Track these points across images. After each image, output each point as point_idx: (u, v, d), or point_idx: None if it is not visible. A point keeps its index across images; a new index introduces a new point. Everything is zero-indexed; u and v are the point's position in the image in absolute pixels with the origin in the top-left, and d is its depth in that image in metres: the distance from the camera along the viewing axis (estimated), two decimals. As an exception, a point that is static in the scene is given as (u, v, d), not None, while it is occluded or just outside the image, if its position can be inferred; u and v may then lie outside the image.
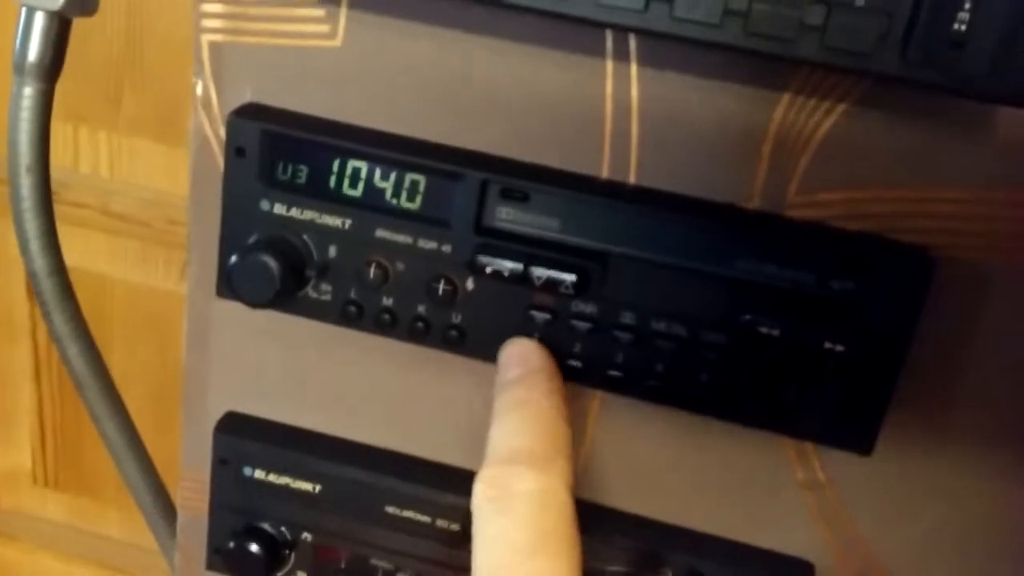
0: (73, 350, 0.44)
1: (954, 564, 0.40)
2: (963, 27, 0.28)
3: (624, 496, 0.43)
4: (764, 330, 0.36)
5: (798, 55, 0.30)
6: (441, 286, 0.39)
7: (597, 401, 0.41)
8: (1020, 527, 0.39)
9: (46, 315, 0.45)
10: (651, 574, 0.42)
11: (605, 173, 0.38)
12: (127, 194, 1.11)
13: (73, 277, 0.46)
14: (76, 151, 1.16)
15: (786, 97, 0.35)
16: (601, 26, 0.31)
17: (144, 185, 1.12)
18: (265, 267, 0.38)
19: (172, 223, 1.09)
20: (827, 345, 0.36)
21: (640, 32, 0.31)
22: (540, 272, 0.37)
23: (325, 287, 0.40)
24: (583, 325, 0.38)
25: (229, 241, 0.40)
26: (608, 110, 0.37)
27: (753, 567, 0.42)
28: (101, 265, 1.19)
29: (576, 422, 0.42)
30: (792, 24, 0.29)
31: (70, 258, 0.46)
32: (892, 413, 0.37)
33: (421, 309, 0.39)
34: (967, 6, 0.28)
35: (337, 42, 0.38)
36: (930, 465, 0.39)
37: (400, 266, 0.39)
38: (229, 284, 0.39)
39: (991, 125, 0.33)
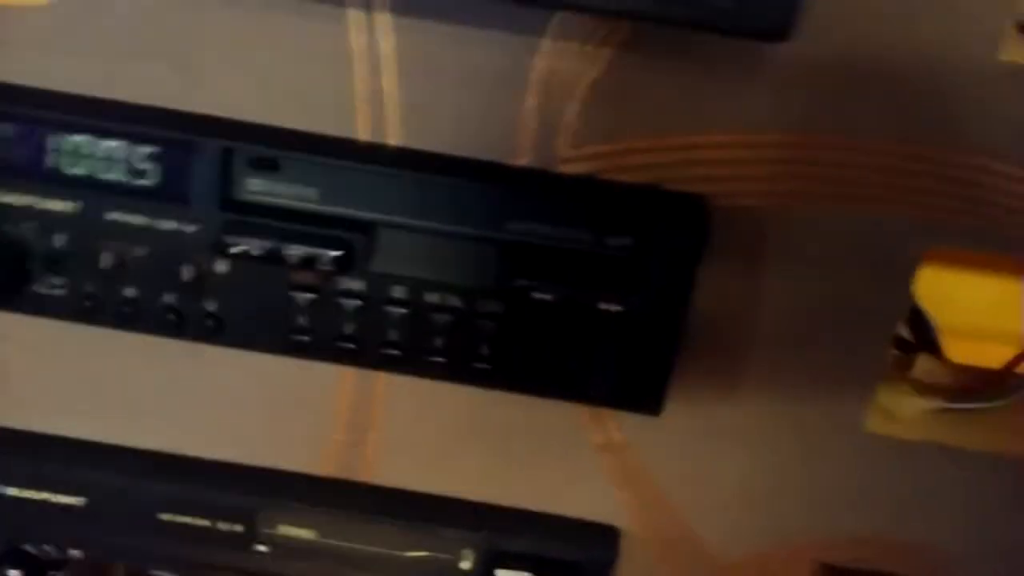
0: None
1: (759, 515, 0.39)
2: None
3: (418, 477, 0.40)
4: (538, 295, 0.34)
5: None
6: (188, 272, 0.35)
7: (381, 382, 0.38)
8: (818, 472, 0.38)
9: None
10: (453, 555, 0.40)
11: (363, 136, 0.34)
12: None
13: None
14: None
15: (546, 43, 0.32)
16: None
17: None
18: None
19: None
20: (604, 306, 0.34)
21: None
22: (296, 250, 0.34)
23: (56, 281, 0.35)
24: (351, 303, 0.35)
25: (-67, 237, 0.34)
26: (359, 65, 0.33)
27: (556, 537, 0.40)
28: None
29: (361, 406, 0.39)
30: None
31: None
32: (681, 369, 0.36)
33: (169, 299, 0.35)
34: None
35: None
36: (724, 417, 0.38)
37: (139, 251, 0.35)
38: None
39: (756, 66, 0.32)
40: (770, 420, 0.37)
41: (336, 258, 0.34)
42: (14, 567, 0.40)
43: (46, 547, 0.41)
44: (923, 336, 0.48)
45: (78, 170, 0.34)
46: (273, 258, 0.34)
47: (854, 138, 0.33)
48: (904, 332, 0.47)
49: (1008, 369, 0.42)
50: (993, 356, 0.42)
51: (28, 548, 0.41)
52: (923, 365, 0.40)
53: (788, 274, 0.35)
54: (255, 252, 0.34)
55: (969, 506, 0.39)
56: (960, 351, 0.46)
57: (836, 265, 0.34)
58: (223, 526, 0.40)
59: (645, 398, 0.36)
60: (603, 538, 0.40)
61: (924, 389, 0.40)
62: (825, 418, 0.37)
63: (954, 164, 0.33)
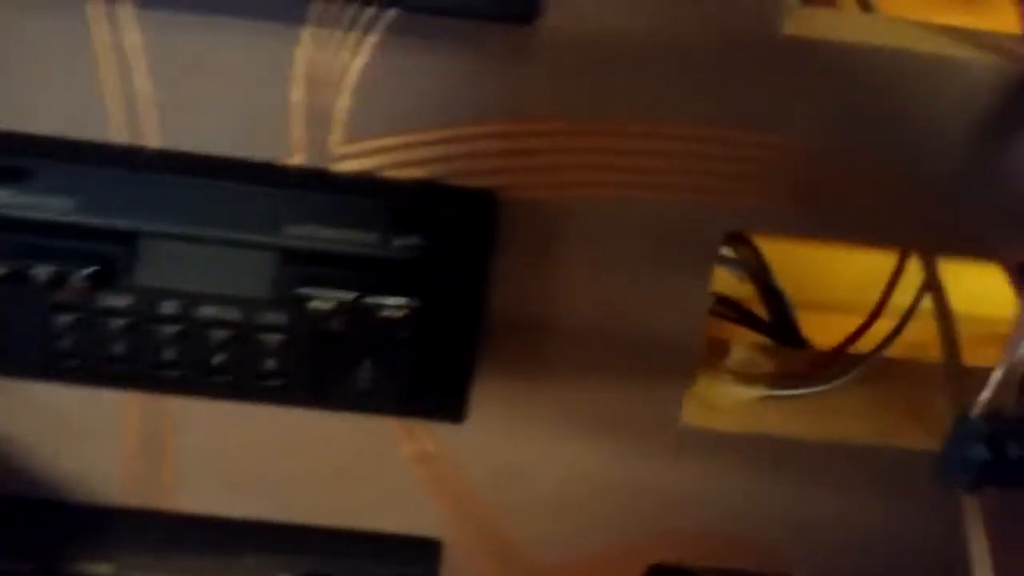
0: None
1: (581, 517, 0.38)
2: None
3: (222, 502, 0.37)
4: (321, 304, 0.31)
5: None
6: (-71, 297, 0.31)
7: (173, 404, 0.35)
8: (638, 469, 0.37)
9: None
10: (267, 583, 0.38)
11: (120, 138, 0.31)
12: None
13: None
14: None
15: (307, 32, 0.30)
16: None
17: None
18: None
19: None
20: (393, 313, 0.31)
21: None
22: (47, 268, 0.31)
23: None
24: (118, 322, 0.32)
25: None
26: (106, 63, 0.30)
27: (377, 556, 0.38)
28: None
29: (153, 430, 0.36)
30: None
31: None
32: (485, 373, 0.34)
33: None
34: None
35: None
36: (535, 419, 0.36)
37: None
38: None
39: (526, 49, 0.30)
40: (582, 418, 0.36)
41: (92, 274, 0.31)
42: None
43: None
44: (778, 314, 0.47)
45: None
46: (23, 277, 0.31)
47: (638, 121, 0.31)
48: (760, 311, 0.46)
49: (836, 351, 0.42)
50: (851, 325, 0.42)
51: None
52: (741, 352, 0.39)
53: (585, 266, 0.33)
54: (10, 274, 0.30)
55: (799, 497, 0.38)
56: (821, 328, 0.46)
57: (634, 254, 0.33)
58: (22, 567, 0.37)
59: (447, 405, 0.34)
60: (424, 552, 0.38)
61: (745, 377, 0.38)
62: (640, 413, 0.36)
63: (744, 144, 0.31)
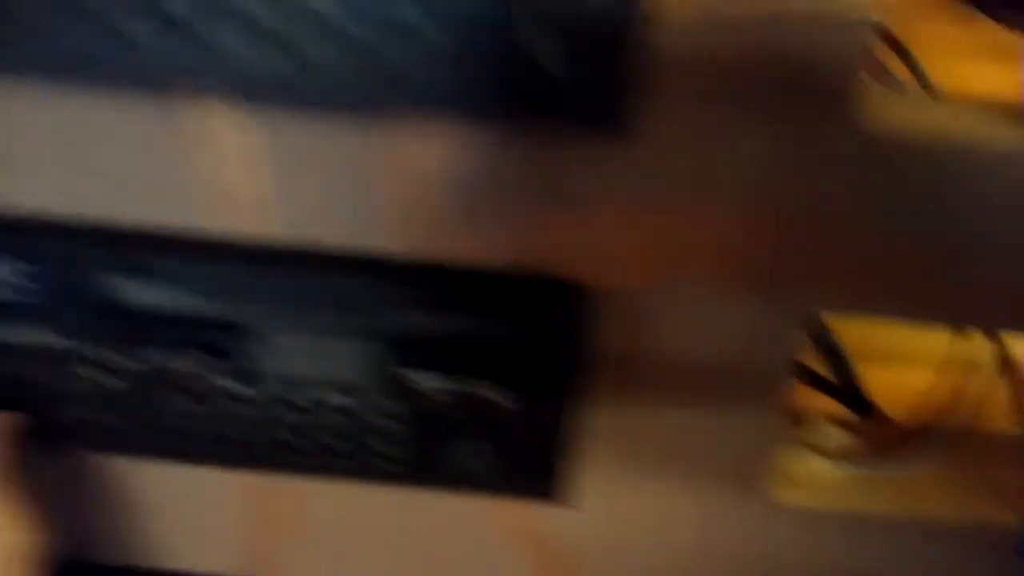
0: None
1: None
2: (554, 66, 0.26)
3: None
4: (427, 387, 0.33)
5: (389, 104, 0.27)
6: (72, 386, 0.34)
7: (287, 483, 0.37)
8: (724, 547, 0.38)
9: None
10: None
11: (235, 232, 0.34)
12: None
13: None
14: None
15: (403, 131, 0.32)
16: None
17: None
18: None
19: None
20: (492, 396, 0.33)
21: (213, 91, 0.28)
22: (178, 358, 0.33)
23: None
24: (238, 406, 0.34)
25: None
26: (226, 163, 0.33)
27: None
28: None
29: (268, 510, 0.38)
30: (379, 73, 0.26)
31: None
32: (581, 451, 0.36)
33: (57, 415, 0.34)
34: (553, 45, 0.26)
35: None
36: (627, 497, 0.37)
37: (12, 371, 0.34)
38: None
39: (617, 145, 0.32)
40: (673, 497, 0.37)
41: (221, 362, 0.33)
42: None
43: None
44: (841, 374, 0.48)
45: (-54, 289, 0.33)
46: (157, 367, 0.33)
47: (722, 212, 0.33)
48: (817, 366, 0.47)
49: (913, 426, 0.43)
50: (916, 380, 0.42)
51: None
52: (819, 426, 0.40)
53: (673, 348, 0.35)
54: (141, 362, 0.33)
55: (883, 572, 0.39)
56: (885, 384, 0.46)
57: (719, 337, 0.34)
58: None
59: (545, 484, 0.35)
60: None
61: (824, 451, 0.40)
62: (726, 491, 0.37)
63: (821, 231, 0.33)
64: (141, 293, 0.34)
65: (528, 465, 0.35)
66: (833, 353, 0.46)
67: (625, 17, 0.26)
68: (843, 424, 0.42)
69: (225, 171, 0.33)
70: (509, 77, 0.26)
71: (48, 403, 0.34)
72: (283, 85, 0.26)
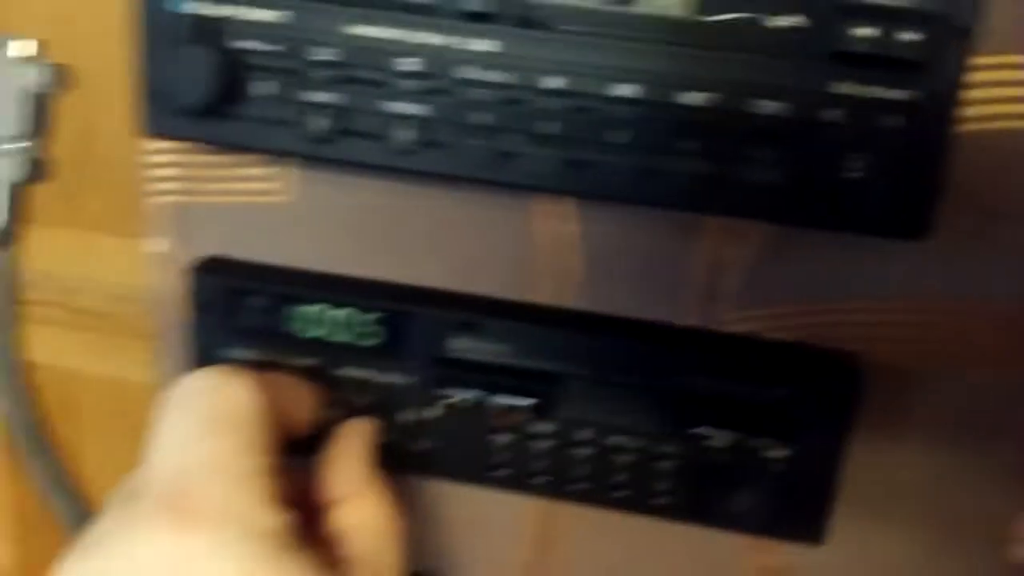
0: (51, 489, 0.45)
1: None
2: (858, 174, 0.30)
3: (597, 594, 0.45)
4: (711, 440, 0.38)
5: (711, 209, 0.32)
6: (407, 417, 0.41)
7: (564, 510, 0.43)
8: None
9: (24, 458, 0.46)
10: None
11: (552, 300, 0.40)
12: (91, 290, 1.12)
13: (43, 375, 0.47)
14: (38, 251, 1.17)
15: (711, 227, 0.38)
16: (526, 188, 0.33)
17: (107, 280, 1.13)
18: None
19: (140, 315, 1.10)
20: (769, 451, 0.38)
21: (565, 193, 0.34)
22: (498, 400, 0.39)
23: (297, 426, 0.42)
24: (543, 444, 0.41)
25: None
26: (548, 245, 0.39)
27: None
28: (70, 361, 1.19)
29: (546, 529, 0.44)
30: (701, 180, 0.31)
31: (38, 356, 0.50)
32: (842, 500, 0.40)
33: (390, 439, 0.42)
34: (858, 156, 0.30)
35: (290, 198, 0.40)
36: (880, 546, 0.41)
37: (365, 400, 0.41)
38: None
39: (889, 245, 0.36)
40: (915, 559, 0.41)
41: (532, 406, 0.39)
42: None
43: None
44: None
45: (316, 333, 0.41)
46: (480, 406, 0.40)
47: (992, 301, 0.36)
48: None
49: None
50: None
51: None
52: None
53: (930, 424, 0.39)
54: (466, 401, 0.40)
55: None
56: None
57: (977, 419, 0.38)
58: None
59: (807, 529, 0.40)
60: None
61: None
62: (976, 548, 0.40)
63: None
64: (470, 346, 0.40)
65: (794, 511, 0.39)
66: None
67: (933, 135, 0.30)
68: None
69: (548, 252, 0.39)
70: (819, 186, 0.31)
71: (385, 431, 0.42)
72: (627, 189, 0.32)
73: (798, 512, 0.39)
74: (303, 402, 0.39)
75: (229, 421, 0.33)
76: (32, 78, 0.37)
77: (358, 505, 0.36)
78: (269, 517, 0.31)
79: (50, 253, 0.96)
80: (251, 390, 0.34)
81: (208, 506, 0.30)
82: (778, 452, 0.38)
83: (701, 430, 0.38)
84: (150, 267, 0.43)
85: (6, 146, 0.38)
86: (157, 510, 0.30)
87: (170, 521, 0.29)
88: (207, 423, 0.32)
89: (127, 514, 0.30)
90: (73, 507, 0.45)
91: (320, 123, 0.33)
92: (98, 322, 1.12)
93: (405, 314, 0.40)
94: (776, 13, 0.31)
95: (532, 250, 0.39)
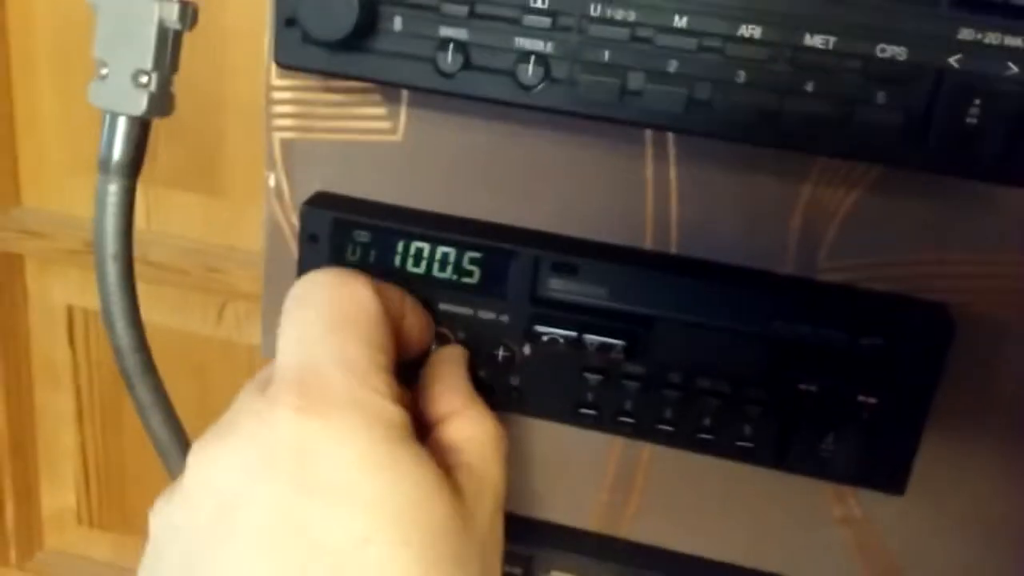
0: (156, 419, 0.48)
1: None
2: (975, 120, 0.31)
3: (674, 538, 0.46)
4: (802, 386, 0.39)
5: (827, 151, 0.33)
6: (500, 353, 0.42)
7: (646, 452, 0.45)
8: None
9: (130, 387, 0.48)
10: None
11: (648, 245, 0.41)
12: (165, 244, 1.15)
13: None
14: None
15: (813, 175, 0.39)
16: (646, 126, 0.35)
17: (181, 235, 1.16)
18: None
19: (210, 271, 1.13)
20: (860, 398, 0.39)
21: (684, 132, 0.35)
22: (592, 339, 0.41)
23: (394, 357, 0.43)
24: (633, 384, 0.42)
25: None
26: (649, 190, 0.41)
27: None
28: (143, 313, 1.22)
29: (626, 471, 0.45)
30: (819, 122, 0.32)
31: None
32: (922, 453, 0.41)
33: (482, 374, 0.43)
34: (977, 102, 0.31)
35: (398, 137, 0.42)
36: (960, 500, 0.42)
37: (462, 335, 0.43)
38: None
39: (995, 196, 0.37)
40: (998, 512, 0.41)
41: (625, 347, 0.41)
42: None
43: None
44: None
45: (418, 269, 0.42)
46: (573, 345, 0.41)
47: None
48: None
49: None
50: None
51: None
52: None
53: (1021, 380, 0.40)
54: (561, 340, 0.41)
55: None
56: None
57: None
58: (505, 568, 0.47)
59: (891, 479, 0.41)
60: (841, 603, 0.45)
61: None
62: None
63: None
64: (567, 287, 0.42)
65: (879, 460, 0.40)
66: None
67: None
68: None
69: (649, 196, 0.41)
70: (937, 130, 0.32)
71: (480, 366, 0.43)
72: (747, 130, 0.33)
73: (883, 461, 0.40)
74: (419, 324, 0.40)
75: (351, 317, 0.34)
76: (166, 13, 0.38)
77: (465, 421, 0.37)
78: (391, 409, 0.32)
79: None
80: (372, 291, 0.35)
81: (334, 394, 0.32)
82: (867, 400, 0.39)
83: (791, 375, 0.39)
84: (266, 200, 0.44)
85: (142, 79, 0.39)
86: (287, 396, 0.31)
87: (298, 407, 0.31)
88: (330, 318, 0.34)
89: (258, 400, 0.32)
90: (177, 437, 0.47)
91: (449, 58, 0.34)
92: (168, 275, 1.15)
93: (504, 253, 0.41)
94: (898, -37, 0.31)
95: (633, 194, 0.41)
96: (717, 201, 0.40)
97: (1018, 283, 0.38)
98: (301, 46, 0.35)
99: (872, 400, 0.39)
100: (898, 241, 0.39)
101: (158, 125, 0.44)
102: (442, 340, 0.43)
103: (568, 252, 0.42)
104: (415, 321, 0.40)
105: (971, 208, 0.38)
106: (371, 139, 0.42)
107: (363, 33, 0.34)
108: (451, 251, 0.42)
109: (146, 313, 0.63)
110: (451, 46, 0.34)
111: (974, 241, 0.38)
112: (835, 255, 0.40)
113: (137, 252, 0.61)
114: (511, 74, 0.34)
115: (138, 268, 0.68)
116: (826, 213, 0.39)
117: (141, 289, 0.70)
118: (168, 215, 1.17)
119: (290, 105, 0.42)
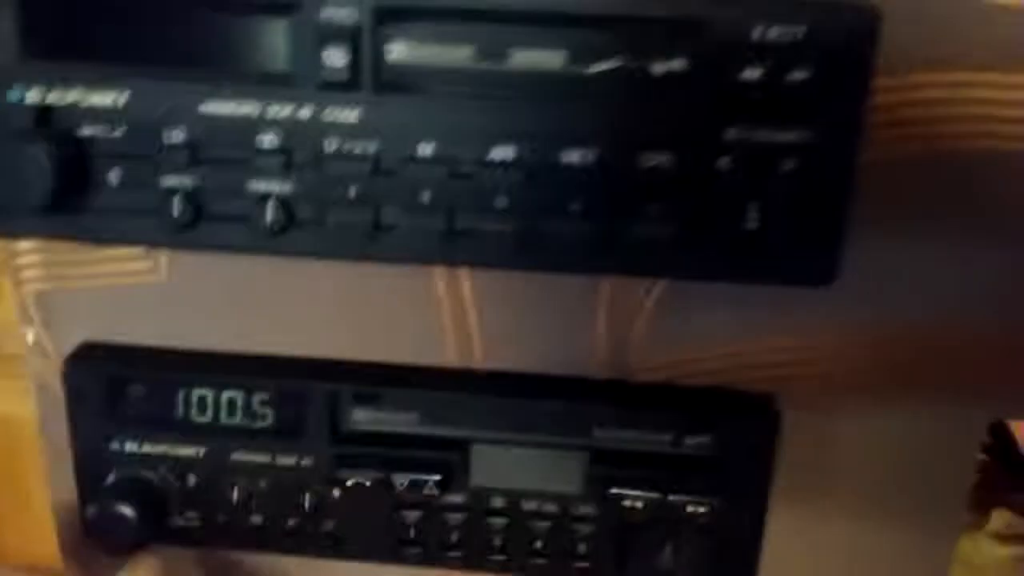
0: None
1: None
2: (755, 225, 0.29)
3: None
4: (629, 503, 0.36)
5: (601, 270, 0.30)
6: (307, 500, 0.38)
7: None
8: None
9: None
10: None
11: (453, 359, 0.38)
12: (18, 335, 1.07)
13: None
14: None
15: (607, 283, 0.36)
16: (406, 263, 0.31)
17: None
18: (122, 518, 0.37)
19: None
20: (691, 508, 0.36)
21: (447, 264, 0.32)
22: (402, 477, 0.37)
23: (191, 514, 0.39)
24: (455, 516, 0.38)
25: (86, 488, 0.39)
26: (445, 306, 0.37)
27: None
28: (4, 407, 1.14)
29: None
30: (588, 242, 0.29)
31: None
32: (768, 547, 0.38)
33: (291, 523, 0.39)
34: (755, 204, 0.29)
35: (162, 276, 0.37)
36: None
37: (263, 484, 0.39)
38: (91, 534, 0.38)
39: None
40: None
41: (438, 481, 0.37)
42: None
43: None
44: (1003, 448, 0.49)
45: (204, 418, 0.38)
46: (382, 485, 0.37)
47: (915, 337, 0.35)
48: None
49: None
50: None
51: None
52: (1001, 517, 0.42)
53: (857, 456, 0.37)
54: (367, 483, 0.37)
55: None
56: None
57: (902, 445, 0.37)
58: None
59: (736, 582, 0.38)
60: None
61: (1005, 538, 0.41)
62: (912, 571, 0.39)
63: (1003, 344, 0.35)
64: (373, 417, 0.38)
65: (722, 569, 0.38)
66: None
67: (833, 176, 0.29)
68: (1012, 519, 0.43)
69: (447, 314, 0.37)
70: (716, 239, 0.29)
71: (275, 515, 0.39)
72: (512, 256, 0.30)
73: (727, 567, 0.38)
74: None
75: None
76: None
77: None
78: None
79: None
80: None
81: None
82: (701, 506, 0.36)
83: (619, 491, 0.36)
84: (28, 358, 0.39)
85: None
86: None
87: None
88: None
89: None
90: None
91: (177, 209, 0.30)
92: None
93: (297, 389, 0.38)
94: (656, 59, 0.29)
95: (428, 312, 0.37)
96: (516, 311, 0.37)
97: (832, 366, 0.36)
98: (14, 212, 0.31)
99: (703, 508, 0.36)
100: (709, 334, 0.36)
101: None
102: (244, 493, 0.39)
103: (368, 380, 0.38)
104: None
105: (775, 296, 0.35)
106: (133, 281, 0.38)
107: (75, 191, 0.30)
108: (238, 395, 0.38)
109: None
110: (177, 196, 0.30)
111: (785, 330, 0.36)
112: (647, 354, 0.37)
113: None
114: (250, 220, 0.30)
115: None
116: (630, 311, 0.36)
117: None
118: None
119: (35, 255, 0.38)
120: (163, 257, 0.37)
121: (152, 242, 0.31)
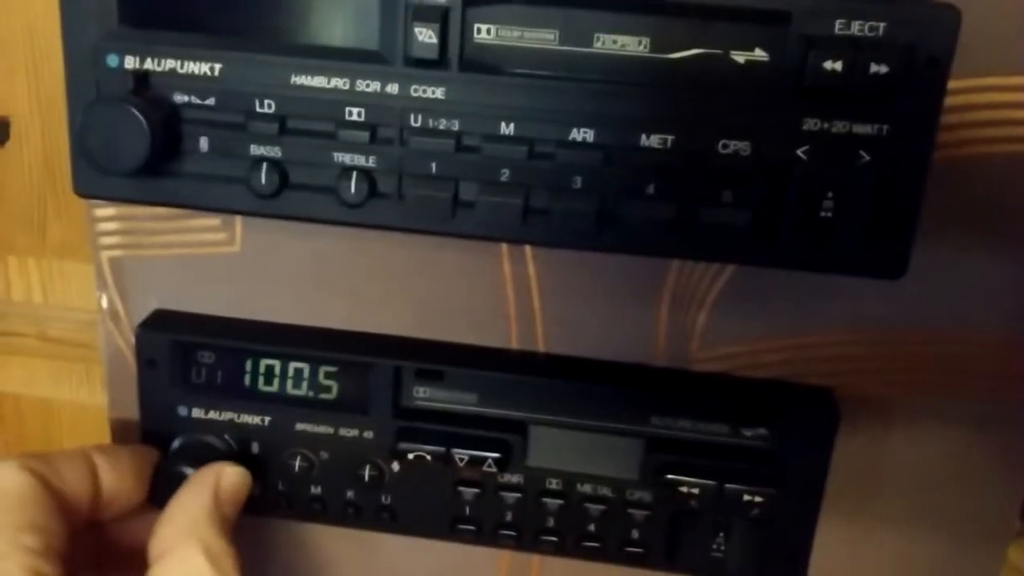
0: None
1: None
2: (829, 214, 0.29)
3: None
4: (685, 489, 0.37)
5: (673, 254, 0.31)
6: (367, 472, 0.39)
7: (536, 560, 0.42)
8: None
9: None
10: None
11: (515, 343, 0.39)
12: (63, 318, 1.09)
13: (18, 404, 0.49)
14: (7, 281, 1.14)
15: (675, 262, 0.36)
16: (482, 239, 0.32)
17: (79, 307, 1.10)
18: (189, 480, 0.38)
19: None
20: (746, 497, 0.36)
21: (522, 243, 0.32)
22: (462, 453, 0.38)
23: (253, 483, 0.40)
24: (511, 496, 0.39)
25: (151, 450, 0.40)
26: (509, 287, 0.38)
27: None
28: (44, 390, 1.16)
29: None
30: (662, 225, 0.30)
31: (10, 386, 0.52)
32: (818, 543, 0.38)
33: (350, 494, 0.40)
34: (830, 195, 0.29)
35: (236, 247, 0.38)
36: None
37: (324, 455, 0.39)
38: (153, 500, 0.39)
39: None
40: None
41: (497, 459, 0.38)
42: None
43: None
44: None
45: (270, 388, 0.39)
46: (443, 460, 0.38)
47: (963, 330, 0.35)
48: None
49: None
50: None
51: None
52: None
53: (912, 451, 0.38)
54: (428, 457, 0.38)
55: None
56: None
57: (954, 446, 0.37)
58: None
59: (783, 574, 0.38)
60: None
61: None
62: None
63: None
64: (434, 395, 0.39)
65: (773, 555, 0.38)
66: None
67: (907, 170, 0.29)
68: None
69: (511, 296, 0.38)
70: (788, 227, 0.29)
71: (334, 486, 0.40)
72: (587, 237, 0.30)
73: (779, 559, 0.38)
74: (123, 477, 0.36)
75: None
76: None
77: (171, 565, 0.33)
78: None
79: (22, 282, 0.93)
80: (16, 470, 0.32)
81: None
82: (754, 498, 0.37)
83: (674, 478, 0.37)
84: (100, 322, 0.41)
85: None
86: None
87: None
88: None
89: None
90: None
91: (264, 178, 0.31)
92: (69, 350, 1.09)
93: (362, 364, 0.38)
94: (738, 48, 0.29)
95: (493, 292, 0.38)
96: (579, 295, 0.37)
97: (894, 362, 0.36)
98: (102, 175, 0.32)
99: (759, 498, 0.36)
100: (771, 326, 0.37)
101: (44, 196, 0.41)
102: (305, 462, 0.39)
103: (432, 358, 0.39)
104: (116, 476, 0.36)
105: (840, 289, 0.35)
106: (207, 252, 0.39)
107: (166, 156, 0.31)
108: (305, 366, 0.39)
109: (50, 391, 0.59)
110: (264, 165, 0.31)
111: (847, 322, 0.36)
112: (707, 344, 0.37)
113: (34, 328, 0.57)
114: (334, 191, 0.31)
115: (37, 345, 0.63)
116: (693, 300, 0.37)
117: (43, 366, 0.66)
118: (64, 288, 1.12)
119: (114, 222, 0.39)
120: (238, 228, 0.38)
121: (237, 209, 0.31)
